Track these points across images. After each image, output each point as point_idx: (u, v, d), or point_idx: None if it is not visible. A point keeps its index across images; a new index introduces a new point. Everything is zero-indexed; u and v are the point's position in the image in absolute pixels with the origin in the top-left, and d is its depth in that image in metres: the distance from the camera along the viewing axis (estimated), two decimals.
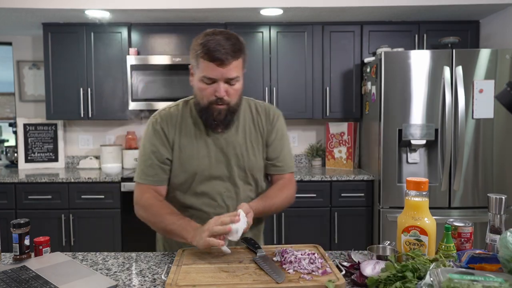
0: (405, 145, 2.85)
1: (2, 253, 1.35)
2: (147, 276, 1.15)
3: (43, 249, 1.28)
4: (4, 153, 3.75)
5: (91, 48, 3.29)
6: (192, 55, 1.33)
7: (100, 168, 3.55)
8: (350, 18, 3.22)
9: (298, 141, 3.73)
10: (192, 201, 1.41)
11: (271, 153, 1.47)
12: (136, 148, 3.60)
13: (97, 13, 3.03)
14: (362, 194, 3.05)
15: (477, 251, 1.11)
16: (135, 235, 3.01)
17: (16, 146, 3.66)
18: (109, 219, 3.04)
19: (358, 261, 1.13)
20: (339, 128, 3.47)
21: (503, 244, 0.95)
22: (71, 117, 3.39)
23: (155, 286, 1.08)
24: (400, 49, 2.98)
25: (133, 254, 1.35)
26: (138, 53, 3.30)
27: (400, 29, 3.30)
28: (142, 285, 1.09)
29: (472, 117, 2.76)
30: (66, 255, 1.29)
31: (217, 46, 1.25)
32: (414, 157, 2.85)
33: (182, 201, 1.42)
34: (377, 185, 2.93)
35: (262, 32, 3.30)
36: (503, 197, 1.15)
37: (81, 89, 3.30)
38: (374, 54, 3.24)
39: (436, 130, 2.77)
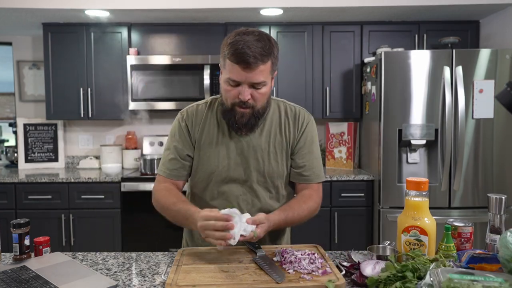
0: (405, 145, 2.85)
1: (2, 253, 1.35)
2: (147, 276, 1.15)
3: (43, 249, 1.28)
4: (4, 153, 3.75)
5: (91, 48, 3.29)
6: (221, 54, 1.29)
7: (100, 168, 3.55)
8: (350, 18, 3.22)
9: None
10: (208, 201, 1.41)
11: (298, 161, 1.39)
12: (136, 148, 3.61)
13: (97, 13, 3.03)
14: (362, 194, 3.05)
15: (477, 251, 1.11)
16: (135, 235, 3.01)
17: (16, 146, 3.66)
18: (109, 219, 3.04)
19: (358, 261, 1.13)
20: (339, 128, 3.47)
21: (503, 244, 0.95)
22: (71, 117, 3.39)
23: (155, 286, 1.08)
24: (400, 49, 2.98)
25: (133, 254, 1.35)
26: (138, 53, 3.30)
27: (400, 29, 3.30)
28: (142, 285, 1.09)
29: (472, 117, 2.76)
30: (66, 255, 1.29)
31: (245, 48, 1.19)
32: (414, 157, 2.85)
33: (200, 199, 1.43)
34: (377, 185, 2.93)
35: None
36: (503, 197, 1.15)
37: (81, 89, 3.30)
38: (374, 54, 3.24)
39: (436, 130, 2.77)
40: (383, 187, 2.83)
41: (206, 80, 3.12)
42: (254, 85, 1.25)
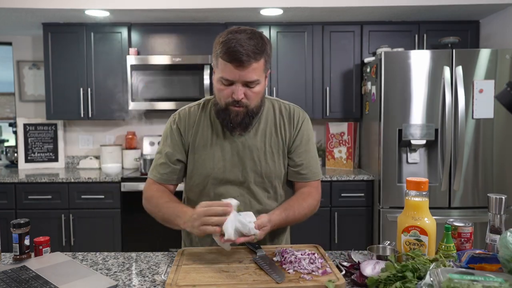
0: (405, 145, 2.85)
1: (2, 253, 1.35)
2: (147, 276, 1.15)
3: (43, 249, 1.28)
4: (4, 153, 3.75)
5: (91, 48, 3.29)
6: (213, 53, 1.28)
7: (100, 168, 3.55)
8: (350, 18, 3.23)
9: None
10: None
11: (295, 160, 1.39)
12: (136, 148, 3.61)
13: (97, 13, 3.03)
14: (362, 194, 3.05)
15: (477, 251, 1.10)
16: (135, 235, 3.01)
17: (16, 146, 3.66)
18: (109, 219, 3.04)
19: (358, 261, 1.13)
20: (339, 128, 3.47)
21: (503, 244, 0.95)
22: (71, 117, 3.39)
23: (155, 286, 1.08)
24: (400, 49, 2.98)
25: (133, 254, 1.35)
26: (138, 53, 3.30)
27: (400, 29, 3.31)
28: (142, 285, 1.09)
29: (472, 117, 2.76)
30: (66, 255, 1.29)
31: (237, 46, 1.18)
32: (414, 157, 2.85)
33: (196, 202, 1.41)
34: (377, 185, 2.93)
35: (262, 32, 3.29)
36: (503, 197, 1.15)
37: (81, 89, 3.30)
38: (374, 54, 3.24)
39: (436, 130, 2.77)
40: (383, 187, 2.83)
41: (206, 80, 3.11)
42: (247, 84, 1.23)
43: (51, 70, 3.30)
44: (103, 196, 3.04)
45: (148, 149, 3.58)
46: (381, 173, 2.83)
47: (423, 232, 1.09)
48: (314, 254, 1.17)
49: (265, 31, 3.29)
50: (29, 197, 3.03)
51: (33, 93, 3.75)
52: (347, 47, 3.32)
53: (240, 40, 1.19)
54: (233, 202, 1.16)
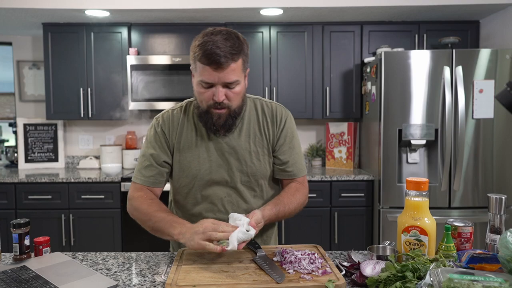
0: (405, 145, 2.85)
1: (2, 253, 1.35)
2: (147, 276, 1.15)
3: (43, 249, 1.28)
4: (4, 153, 3.75)
5: (91, 48, 3.29)
6: (191, 57, 1.28)
7: (100, 168, 3.55)
8: (350, 18, 3.22)
9: None
10: (192, 206, 1.39)
11: (280, 159, 1.39)
12: (136, 148, 3.61)
13: (97, 13, 3.03)
14: (362, 194, 3.05)
15: (477, 251, 1.10)
16: (135, 235, 3.01)
17: (16, 146, 3.66)
18: (109, 219, 3.04)
19: (358, 261, 1.13)
20: (339, 128, 3.47)
21: (503, 244, 0.95)
22: (71, 117, 3.39)
23: (155, 286, 1.08)
24: (400, 49, 2.98)
25: (133, 254, 1.35)
26: (138, 53, 3.30)
27: (400, 29, 3.31)
28: (142, 285, 1.09)
29: (472, 117, 2.76)
30: (66, 255, 1.29)
31: (214, 48, 1.18)
32: (414, 157, 2.85)
33: (183, 205, 1.41)
34: (377, 185, 2.93)
35: (262, 32, 3.30)
36: (503, 197, 1.15)
37: (81, 89, 3.30)
38: (374, 54, 3.24)
39: (436, 130, 2.77)
40: (383, 187, 2.83)
41: None
42: (227, 85, 1.23)
43: (51, 70, 3.30)
44: (103, 196, 3.04)
45: None
46: (381, 173, 2.83)
47: (423, 232, 1.09)
48: (314, 254, 1.17)
49: (265, 31, 3.30)
50: (29, 197, 3.03)
51: (33, 93, 3.75)
52: (347, 47, 3.32)
53: (216, 42, 1.19)
54: (244, 220, 1.15)
